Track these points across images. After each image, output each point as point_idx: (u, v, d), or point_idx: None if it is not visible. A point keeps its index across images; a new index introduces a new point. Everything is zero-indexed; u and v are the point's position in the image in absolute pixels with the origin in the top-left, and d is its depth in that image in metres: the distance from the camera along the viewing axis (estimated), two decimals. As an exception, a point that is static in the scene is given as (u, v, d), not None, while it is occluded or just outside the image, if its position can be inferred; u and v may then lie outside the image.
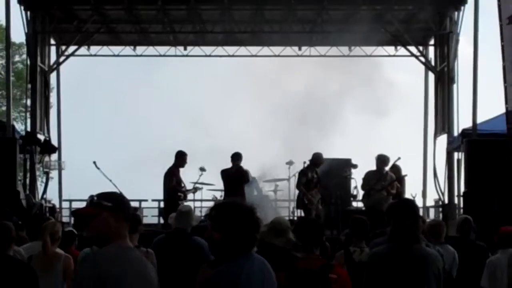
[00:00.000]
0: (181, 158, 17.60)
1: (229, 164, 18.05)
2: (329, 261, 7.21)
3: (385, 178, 16.89)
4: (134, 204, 19.86)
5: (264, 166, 19.14)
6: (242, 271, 4.74)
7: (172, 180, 17.52)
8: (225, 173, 17.89)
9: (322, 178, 17.54)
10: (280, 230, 7.47)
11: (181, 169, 17.85)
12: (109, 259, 4.67)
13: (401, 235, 6.26)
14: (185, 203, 16.35)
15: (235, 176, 17.65)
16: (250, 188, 18.38)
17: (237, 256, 4.78)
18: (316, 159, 17.48)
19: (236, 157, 17.87)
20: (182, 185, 17.86)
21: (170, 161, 17.69)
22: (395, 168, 17.35)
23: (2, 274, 6.57)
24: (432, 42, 22.63)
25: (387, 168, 17.16)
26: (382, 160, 17.10)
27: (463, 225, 10.51)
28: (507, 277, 8.74)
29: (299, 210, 17.62)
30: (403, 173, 17.74)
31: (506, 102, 15.84)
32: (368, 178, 17.15)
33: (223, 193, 18.55)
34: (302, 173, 17.51)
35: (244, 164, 18.12)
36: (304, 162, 17.63)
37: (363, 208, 17.84)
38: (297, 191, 17.59)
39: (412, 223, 6.29)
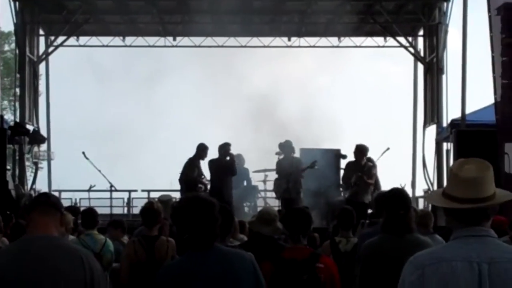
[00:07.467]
0: (203, 151, 17.16)
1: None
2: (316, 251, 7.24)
3: (363, 169, 16.23)
4: (123, 194, 19.80)
5: (253, 156, 19.12)
6: (190, 266, 4.65)
7: (194, 170, 17.08)
8: (213, 164, 17.02)
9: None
10: (267, 219, 7.50)
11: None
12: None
13: (393, 226, 6.28)
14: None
15: (225, 167, 17.04)
16: (240, 179, 18.32)
17: (193, 251, 4.71)
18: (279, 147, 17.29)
19: (223, 148, 17.38)
20: (203, 177, 17.38)
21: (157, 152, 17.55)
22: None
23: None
24: (421, 33, 22.69)
25: (365, 158, 16.44)
26: (359, 150, 16.39)
27: None
28: None
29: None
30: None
31: (495, 93, 15.88)
32: (348, 170, 16.66)
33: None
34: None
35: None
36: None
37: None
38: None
39: (404, 214, 6.31)
